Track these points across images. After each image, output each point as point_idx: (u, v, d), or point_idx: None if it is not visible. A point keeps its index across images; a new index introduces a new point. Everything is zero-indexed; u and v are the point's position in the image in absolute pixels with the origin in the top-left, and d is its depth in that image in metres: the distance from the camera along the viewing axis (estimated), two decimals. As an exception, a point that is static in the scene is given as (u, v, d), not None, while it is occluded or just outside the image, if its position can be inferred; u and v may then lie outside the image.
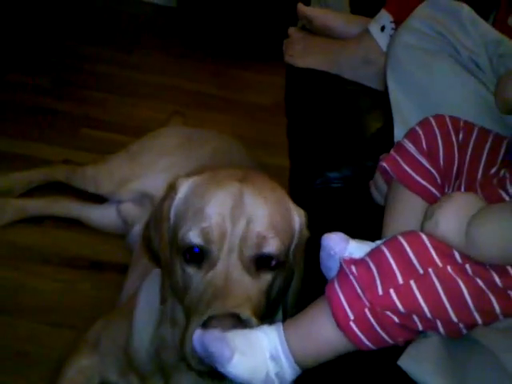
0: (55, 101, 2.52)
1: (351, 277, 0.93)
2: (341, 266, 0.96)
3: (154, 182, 1.82)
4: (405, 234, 0.95)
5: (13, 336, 1.60)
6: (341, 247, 1.03)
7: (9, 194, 1.96)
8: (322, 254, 1.06)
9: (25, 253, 1.84)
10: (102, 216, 1.97)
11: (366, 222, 1.17)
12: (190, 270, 1.09)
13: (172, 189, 1.18)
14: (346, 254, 1.02)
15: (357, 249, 1.03)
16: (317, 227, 1.13)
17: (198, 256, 1.08)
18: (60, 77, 2.68)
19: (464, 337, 0.95)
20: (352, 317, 0.92)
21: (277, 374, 0.97)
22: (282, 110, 1.84)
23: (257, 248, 1.08)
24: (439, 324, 0.93)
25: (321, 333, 0.95)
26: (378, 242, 1.01)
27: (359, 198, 1.26)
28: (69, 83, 2.66)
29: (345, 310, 0.92)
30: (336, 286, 0.94)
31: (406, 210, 1.12)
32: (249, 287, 1.06)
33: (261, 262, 1.08)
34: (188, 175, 1.20)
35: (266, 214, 1.09)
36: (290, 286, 1.18)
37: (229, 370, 0.94)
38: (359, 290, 0.92)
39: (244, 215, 1.08)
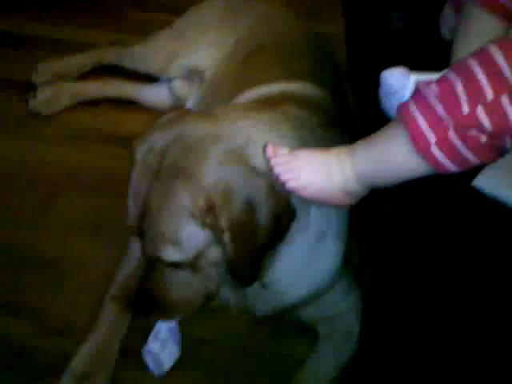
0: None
1: (431, 96, 0.87)
2: (417, 86, 0.90)
3: (201, 57, 1.82)
4: (497, 43, 0.85)
5: (81, 210, 1.69)
6: (402, 84, 0.98)
7: (63, 78, 2.00)
8: (383, 93, 1.01)
9: (84, 134, 1.90)
10: (154, 95, 1.98)
11: (431, 61, 1.11)
12: None
13: None
14: (408, 90, 0.98)
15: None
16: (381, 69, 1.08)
17: None
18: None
19: None
20: (433, 140, 0.87)
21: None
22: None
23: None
24: None
25: (395, 159, 0.92)
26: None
27: (422, 37, 1.18)
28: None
29: (425, 133, 0.87)
30: (413, 108, 0.88)
31: (480, 33, 1.02)
32: None
33: None
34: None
35: (158, 224, 1.12)
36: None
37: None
38: (441, 110, 0.86)
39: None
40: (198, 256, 1.13)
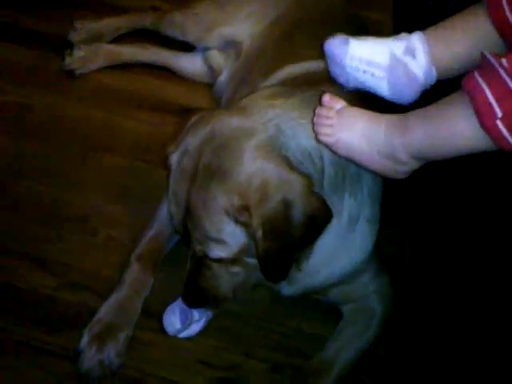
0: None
1: (501, 70, 0.85)
2: (485, 58, 0.88)
3: (239, 29, 1.81)
4: None
5: (112, 170, 1.70)
6: (341, 50, 1.04)
7: (99, 39, 1.99)
8: (329, 62, 1.08)
9: (118, 96, 1.90)
10: (189, 64, 1.98)
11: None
12: None
13: None
14: (348, 57, 1.04)
15: (359, 47, 1.04)
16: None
17: None
18: None
19: None
20: (500, 114, 0.86)
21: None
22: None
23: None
24: None
25: (454, 131, 0.91)
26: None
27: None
28: None
29: (492, 106, 0.86)
30: (480, 80, 0.87)
31: (472, 32, 1.04)
32: None
33: None
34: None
35: (201, 225, 1.14)
36: None
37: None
38: (511, 84, 0.85)
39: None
40: (243, 250, 1.16)
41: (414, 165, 1.04)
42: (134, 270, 1.42)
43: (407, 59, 1.05)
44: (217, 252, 1.16)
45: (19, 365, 1.33)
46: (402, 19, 1.43)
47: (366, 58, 1.05)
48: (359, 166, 1.13)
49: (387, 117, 1.05)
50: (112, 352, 1.31)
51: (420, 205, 1.25)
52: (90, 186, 1.66)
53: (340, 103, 1.10)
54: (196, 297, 1.26)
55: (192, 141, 1.16)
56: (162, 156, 1.65)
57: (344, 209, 1.26)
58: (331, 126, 1.07)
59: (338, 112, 1.09)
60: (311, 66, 1.46)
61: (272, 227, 1.10)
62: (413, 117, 1.00)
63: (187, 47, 1.94)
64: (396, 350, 1.36)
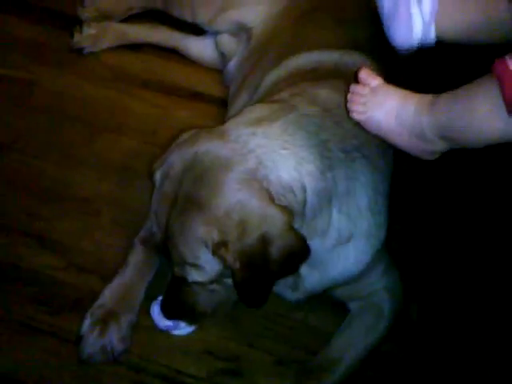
0: None
1: None
2: None
3: (251, 13, 1.76)
4: None
5: (118, 151, 1.68)
6: None
7: (109, 18, 1.94)
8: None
9: (126, 77, 1.86)
10: (200, 47, 1.94)
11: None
12: None
13: None
14: None
15: None
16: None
17: None
18: None
19: None
20: None
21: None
22: None
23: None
24: None
25: (480, 116, 0.90)
26: None
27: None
28: None
29: None
30: (510, 65, 0.86)
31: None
32: None
33: None
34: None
35: (179, 251, 1.14)
36: None
37: None
38: None
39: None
40: (221, 274, 1.16)
41: (442, 146, 1.04)
42: (138, 254, 1.40)
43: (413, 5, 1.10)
44: (194, 276, 1.16)
45: (19, 345, 1.31)
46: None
47: None
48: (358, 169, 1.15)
49: (420, 95, 1.06)
50: (114, 337, 1.29)
51: (426, 201, 1.23)
52: (95, 166, 1.63)
53: (376, 80, 1.11)
54: (174, 309, 1.26)
55: (175, 162, 1.16)
56: (170, 139, 1.62)
57: (331, 228, 1.23)
58: (364, 103, 1.08)
59: (373, 90, 1.09)
60: (323, 56, 1.43)
61: (249, 261, 1.10)
62: (443, 95, 1.00)
63: (198, 30, 1.89)
64: (404, 347, 1.35)
